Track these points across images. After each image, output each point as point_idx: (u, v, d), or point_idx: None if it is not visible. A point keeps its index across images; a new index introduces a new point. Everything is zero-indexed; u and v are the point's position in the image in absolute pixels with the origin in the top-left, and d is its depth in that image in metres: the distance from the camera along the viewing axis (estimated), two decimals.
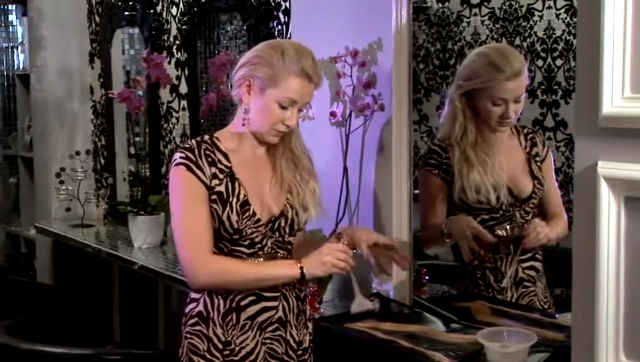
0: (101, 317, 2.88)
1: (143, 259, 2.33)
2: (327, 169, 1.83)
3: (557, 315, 1.56)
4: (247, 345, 1.43)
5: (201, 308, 1.44)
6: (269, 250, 1.43)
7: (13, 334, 1.92)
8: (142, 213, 2.47)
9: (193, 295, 1.47)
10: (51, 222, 3.00)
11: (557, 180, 1.63)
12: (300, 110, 1.41)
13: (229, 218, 1.39)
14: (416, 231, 1.75)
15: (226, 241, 1.42)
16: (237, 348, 1.42)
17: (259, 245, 1.42)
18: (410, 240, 1.73)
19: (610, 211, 1.01)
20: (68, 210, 2.91)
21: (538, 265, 1.66)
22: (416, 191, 1.76)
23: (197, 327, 1.44)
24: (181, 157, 1.40)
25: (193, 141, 1.44)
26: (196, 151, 1.40)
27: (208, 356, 1.42)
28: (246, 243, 1.42)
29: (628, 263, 1.01)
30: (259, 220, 1.42)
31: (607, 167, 1.01)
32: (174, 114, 2.70)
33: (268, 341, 1.44)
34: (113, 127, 2.94)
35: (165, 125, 2.75)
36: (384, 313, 1.67)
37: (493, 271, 1.64)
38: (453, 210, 1.65)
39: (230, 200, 1.40)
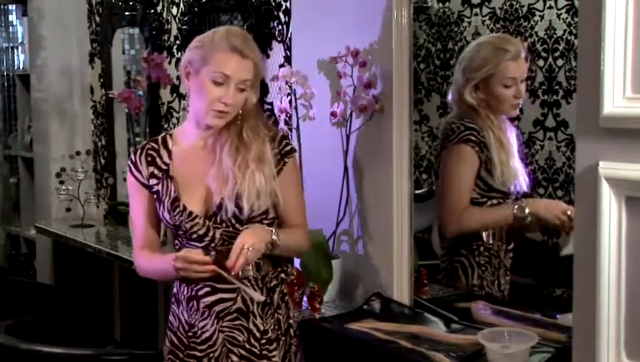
0: (101, 317, 2.87)
1: None
2: (328, 169, 1.83)
3: (558, 316, 1.56)
4: (207, 330, 1.47)
5: (175, 289, 1.52)
6: (221, 242, 1.44)
7: (13, 334, 1.92)
8: None
9: None
10: (51, 222, 3.00)
11: (558, 180, 1.64)
12: (242, 90, 1.40)
13: (163, 215, 1.46)
14: (416, 232, 1.75)
15: (180, 237, 1.48)
16: (199, 332, 1.48)
17: (207, 238, 1.44)
18: (411, 240, 1.72)
19: (611, 211, 1.02)
20: (68, 210, 2.91)
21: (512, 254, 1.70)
22: (418, 191, 1.76)
23: (173, 307, 1.53)
24: (129, 158, 1.51)
25: (146, 141, 1.52)
26: (139, 152, 1.50)
27: (178, 334, 1.50)
28: (193, 237, 1.45)
29: (629, 263, 1.01)
30: (191, 213, 1.44)
31: (608, 168, 1.01)
32: (175, 114, 2.69)
33: (226, 329, 1.46)
34: (113, 127, 2.94)
35: (166, 125, 2.74)
36: (385, 313, 1.67)
37: (497, 257, 1.67)
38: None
39: (163, 198, 1.46)
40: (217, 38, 1.41)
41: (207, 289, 1.46)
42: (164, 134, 1.53)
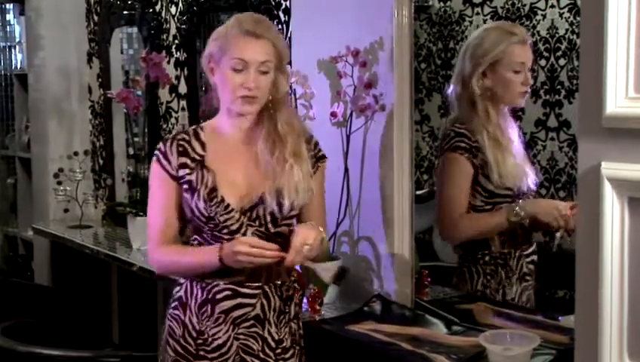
0: (100, 319, 2.86)
1: (142, 261, 2.32)
2: (328, 170, 1.81)
3: (560, 317, 1.55)
4: (220, 337, 1.43)
5: (181, 293, 1.46)
6: None
7: (11, 336, 1.91)
8: (141, 213, 2.45)
9: (180, 279, 1.49)
10: (49, 223, 2.98)
11: (560, 181, 1.62)
12: (264, 72, 1.38)
13: (197, 205, 1.41)
14: (417, 233, 1.73)
15: (205, 233, 1.43)
16: (209, 339, 1.43)
17: (238, 234, 1.41)
18: (412, 241, 1.71)
19: (613, 212, 1.01)
20: (66, 211, 2.89)
21: (535, 258, 1.66)
22: (419, 192, 1.75)
23: (176, 312, 1.46)
24: (157, 148, 1.46)
25: (175, 131, 1.47)
26: (169, 142, 1.45)
27: (183, 342, 1.44)
28: (224, 232, 1.41)
29: (632, 264, 1.00)
30: (229, 206, 1.41)
31: (610, 168, 1.00)
32: (173, 114, 2.68)
33: (242, 336, 1.43)
34: (112, 127, 2.92)
35: (164, 125, 2.73)
36: (385, 315, 1.66)
37: (504, 267, 1.64)
38: (471, 197, 1.62)
39: (198, 188, 1.41)
40: (230, 26, 1.41)
41: (227, 292, 1.42)
42: (194, 127, 1.48)
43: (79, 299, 2.78)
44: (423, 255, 1.76)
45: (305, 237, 1.35)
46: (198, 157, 1.43)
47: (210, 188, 1.41)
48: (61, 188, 2.82)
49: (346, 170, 1.80)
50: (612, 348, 1.02)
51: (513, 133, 1.62)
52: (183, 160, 1.43)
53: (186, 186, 1.42)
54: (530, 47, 1.59)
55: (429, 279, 1.78)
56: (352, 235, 1.83)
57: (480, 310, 1.63)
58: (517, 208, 1.58)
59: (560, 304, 1.62)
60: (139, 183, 2.57)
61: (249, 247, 1.35)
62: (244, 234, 1.41)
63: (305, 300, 1.73)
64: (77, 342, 2.24)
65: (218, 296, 1.42)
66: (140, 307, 2.76)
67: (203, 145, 1.44)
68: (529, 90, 1.60)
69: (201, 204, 1.40)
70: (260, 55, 1.38)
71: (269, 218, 1.42)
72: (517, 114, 1.67)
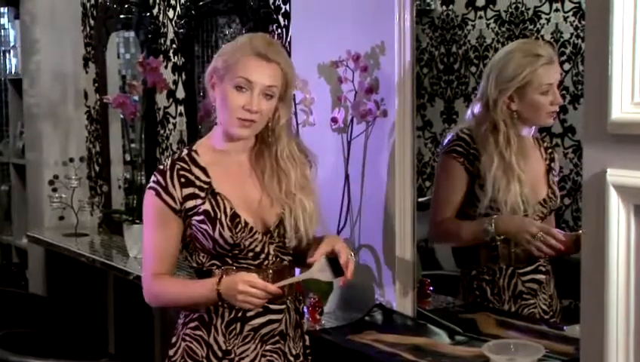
0: (95, 328, 2.84)
1: (139, 269, 2.29)
2: (329, 176, 1.79)
3: (565, 327, 1.54)
4: (247, 356, 1.40)
5: (203, 312, 1.40)
6: (274, 259, 1.40)
7: (4, 346, 1.89)
8: (137, 221, 2.42)
9: None
10: (44, 231, 2.95)
11: (565, 188, 1.60)
12: (268, 96, 1.34)
13: (221, 235, 1.35)
14: (419, 241, 1.71)
15: (229, 258, 1.38)
16: (236, 358, 1.39)
17: (263, 255, 1.39)
18: (414, 249, 1.69)
19: (619, 220, 0.98)
20: (61, 218, 2.87)
21: (541, 277, 1.61)
22: (421, 199, 1.73)
23: (197, 332, 1.40)
24: (153, 181, 1.39)
25: (168, 161, 1.40)
26: (168, 173, 1.37)
27: None
28: (249, 255, 1.38)
29: (638, 273, 0.98)
30: (252, 228, 1.38)
31: (616, 175, 0.98)
32: (171, 120, 2.66)
33: (268, 353, 1.41)
34: (108, 133, 2.90)
35: (162, 131, 2.71)
36: (387, 325, 1.64)
37: (490, 283, 1.61)
38: (463, 208, 1.60)
39: (218, 216, 1.36)
40: (240, 43, 1.36)
41: (258, 309, 1.38)
42: (187, 151, 1.40)
43: (75, 309, 2.76)
44: (425, 263, 1.74)
45: (346, 248, 1.36)
46: (204, 185, 1.36)
47: (230, 214, 1.35)
48: (56, 195, 2.80)
49: (347, 176, 1.78)
50: (618, 358, 1.00)
51: (533, 157, 1.57)
52: (189, 190, 1.36)
53: (201, 218, 1.35)
54: (557, 65, 1.54)
55: (431, 288, 1.76)
56: (352, 243, 1.81)
57: (483, 319, 1.60)
58: (487, 224, 1.54)
59: (565, 313, 1.59)
60: (135, 190, 2.54)
61: (250, 287, 1.31)
62: (267, 254, 1.38)
63: (305, 309, 1.70)
64: (72, 352, 2.21)
65: (249, 314, 1.38)
66: (136, 316, 2.72)
67: (204, 170, 1.38)
68: (557, 109, 1.55)
69: (227, 233, 1.34)
70: (268, 79, 1.33)
71: (288, 235, 1.40)
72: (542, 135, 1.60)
